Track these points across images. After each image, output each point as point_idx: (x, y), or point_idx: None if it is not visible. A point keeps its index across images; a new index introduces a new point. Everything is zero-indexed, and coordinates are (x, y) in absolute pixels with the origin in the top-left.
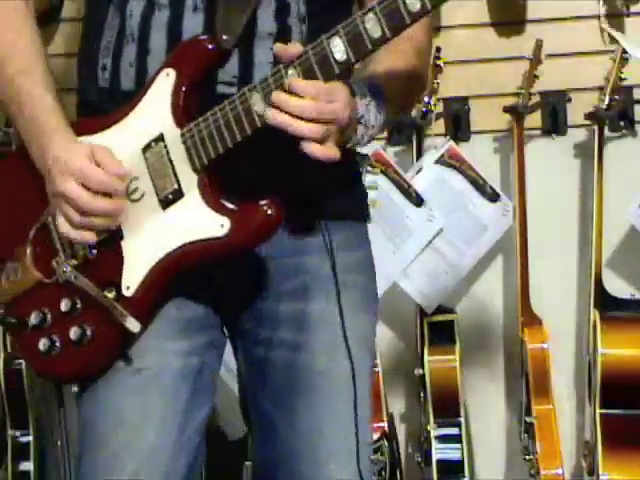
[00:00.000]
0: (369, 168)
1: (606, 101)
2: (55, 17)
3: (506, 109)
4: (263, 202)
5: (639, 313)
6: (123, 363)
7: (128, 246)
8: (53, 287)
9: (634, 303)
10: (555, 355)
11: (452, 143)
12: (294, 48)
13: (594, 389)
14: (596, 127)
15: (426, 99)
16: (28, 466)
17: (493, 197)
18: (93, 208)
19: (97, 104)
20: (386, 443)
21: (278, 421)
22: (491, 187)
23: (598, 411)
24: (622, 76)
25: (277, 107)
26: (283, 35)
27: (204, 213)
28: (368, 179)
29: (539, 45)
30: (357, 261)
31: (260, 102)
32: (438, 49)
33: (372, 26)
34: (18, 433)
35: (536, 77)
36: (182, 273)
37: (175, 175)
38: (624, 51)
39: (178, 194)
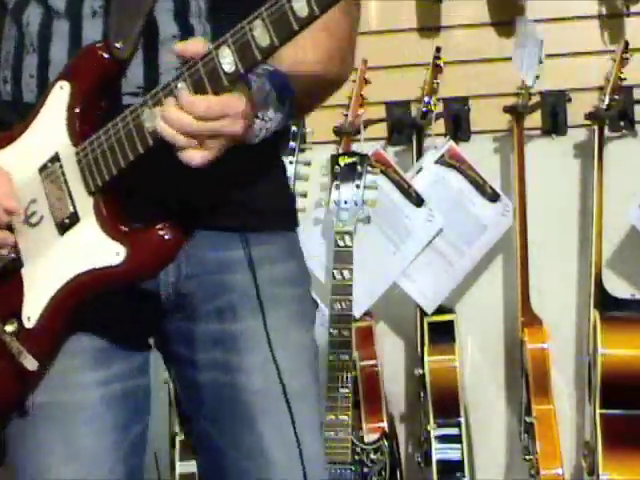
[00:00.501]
0: (369, 168)
1: (606, 101)
2: None
3: (506, 109)
4: (159, 226)
5: (639, 313)
6: (44, 399)
7: (28, 274)
8: None
9: (634, 303)
10: (555, 355)
11: (452, 143)
12: (195, 45)
13: (594, 389)
14: (596, 127)
15: (426, 99)
16: None
17: (493, 197)
18: None
19: (1, 118)
20: (386, 443)
21: (221, 443)
22: (491, 187)
23: (598, 411)
24: (622, 76)
25: (163, 119)
26: (187, 36)
27: (100, 239)
28: (368, 179)
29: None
30: (286, 273)
31: (151, 118)
32: (438, 49)
33: (260, 34)
34: None
35: (536, 77)
36: (87, 302)
37: (71, 198)
38: (624, 51)
39: (74, 218)
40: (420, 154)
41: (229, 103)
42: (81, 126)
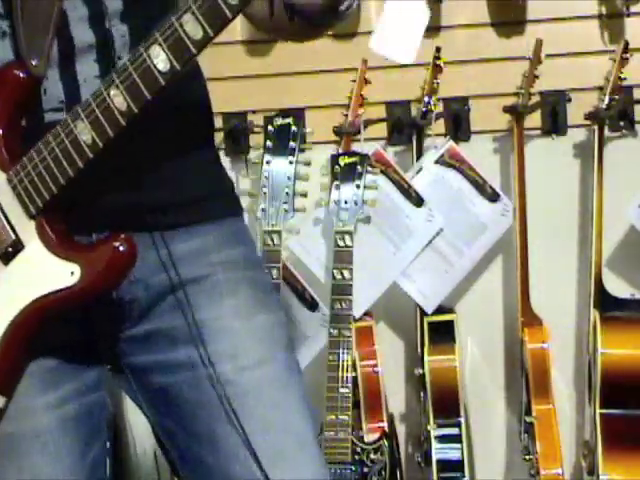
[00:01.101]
0: (369, 168)
1: (606, 101)
2: None
3: (506, 109)
4: (112, 238)
5: (639, 313)
6: (1, 430)
7: None
8: None
9: (634, 303)
10: (555, 355)
11: (452, 143)
12: None
13: (594, 389)
14: (596, 127)
15: (426, 99)
16: None
17: (493, 197)
18: None
19: None
20: (386, 443)
21: (198, 448)
22: (491, 187)
23: (598, 411)
24: (622, 76)
25: None
26: (105, 43)
27: (50, 262)
28: (368, 179)
29: (539, 45)
30: (238, 257)
31: (86, 131)
32: (438, 49)
33: (192, 28)
34: None
35: (536, 77)
36: (43, 326)
37: (10, 225)
38: (624, 51)
39: (18, 246)
40: (420, 154)
41: None
42: (7, 151)
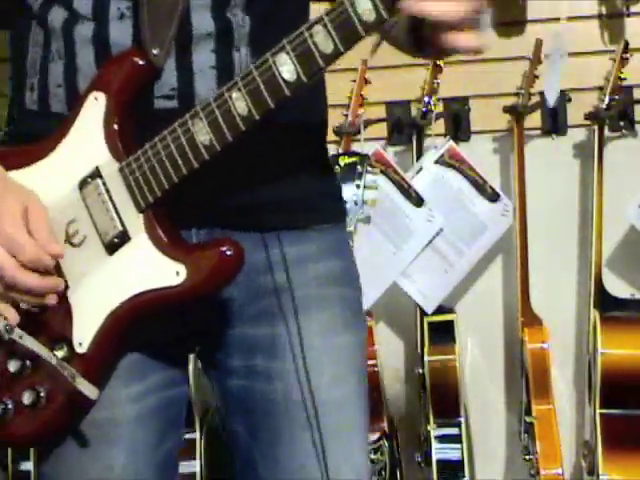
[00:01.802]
0: (369, 168)
1: (606, 101)
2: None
3: (506, 109)
4: (220, 242)
5: (639, 313)
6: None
7: (75, 297)
8: (1, 345)
9: (634, 303)
10: (555, 355)
11: (452, 143)
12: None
13: (594, 389)
14: (596, 127)
15: (426, 99)
16: (28, 466)
17: (493, 197)
18: (15, 282)
19: (27, 129)
20: (386, 443)
21: (258, 457)
22: (491, 187)
23: (598, 411)
24: (622, 76)
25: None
26: (224, 33)
27: (156, 259)
28: (368, 179)
29: (539, 45)
30: (328, 272)
31: (204, 131)
32: None
33: (322, 40)
34: None
35: (536, 77)
36: (141, 321)
37: (119, 216)
38: (624, 51)
39: (124, 237)
40: (420, 154)
41: None
42: (121, 139)
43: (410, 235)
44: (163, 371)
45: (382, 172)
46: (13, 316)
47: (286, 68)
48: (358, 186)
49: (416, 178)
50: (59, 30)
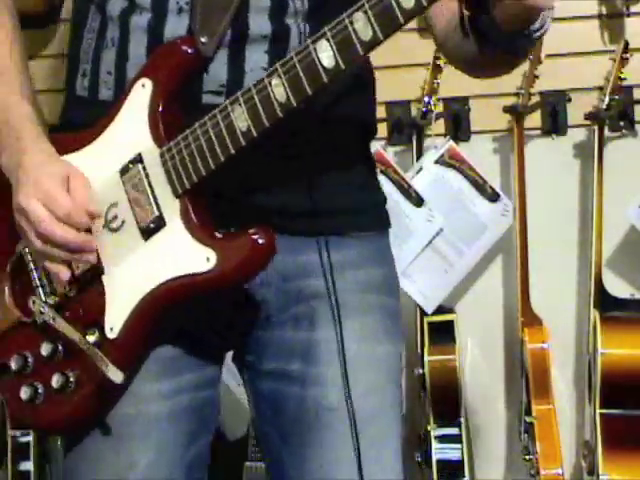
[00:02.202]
0: None
1: (606, 101)
2: (54, 18)
3: (506, 109)
4: (252, 231)
5: (639, 313)
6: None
7: (110, 281)
8: (33, 328)
9: (634, 303)
10: (555, 355)
11: (452, 143)
12: None
13: (594, 389)
14: (596, 127)
15: (426, 99)
16: (28, 466)
17: (493, 197)
18: (52, 234)
19: (76, 115)
20: None
21: (287, 459)
22: (491, 187)
23: (598, 411)
24: (622, 76)
25: None
26: (280, 37)
27: (188, 244)
28: None
29: (539, 45)
30: (370, 280)
31: (243, 117)
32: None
33: (362, 27)
34: (18, 433)
35: (536, 77)
36: (172, 310)
37: (156, 201)
38: (624, 51)
39: (160, 222)
40: (420, 154)
41: None
42: (164, 126)
43: (410, 235)
44: (199, 370)
45: (382, 172)
46: (59, 270)
47: (325, 55)
48: None
49: (416, 178)
50: (116, 18)
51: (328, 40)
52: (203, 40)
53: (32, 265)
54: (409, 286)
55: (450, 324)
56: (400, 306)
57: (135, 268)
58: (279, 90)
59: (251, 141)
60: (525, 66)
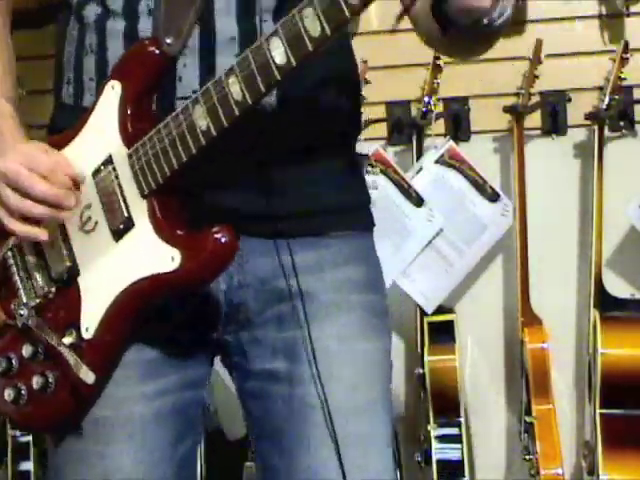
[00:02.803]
0: (369, 168)
1: (606, 101)
2: (50, 18)
3: (506, 109)
4: (215, 229)
5: (639, 313)
6: (90, 413)
7: (85, 282)
8: (17, 330)
9: (634, 303)
10: (555, 355)
11: (452, 143)
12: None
13: (594, 389)
14: (596, 127)
15: (426, 99)
16: (28, 466)
17: (493, 197)
18: (30, 187)
19: (62, 122)
20: None
21: (277, 460)
22: (491, 187)
23: (598, 411)
24: (622, 76)
25: None
26: (248, 38)
27: (155, 244)
28: (368, 179)
29: (539, 45)
30: (351, 278)
31: (203, 116)
32: None
33: (311, 23)
34: (18, 433)
35: (536, 77)
36: (145, 310)
37: (125, 202)
38: (624, 51)
39: (129, 223)
40: (420, 154)
41: None
42: (133, 127)
43: (410, 235)
44: (180, 372)
45: (382, 172)
46: (35, 231)
47: (278, 52)
48: None
49: (416, 178)
50: (93, 25)
51: (280, 37)
52: (169, 41)
53: (14, 268)
54: (409, 286)
55: (450, 324)
56: (386, 303)
57: (108, 269)
58: (235, 88)
59: (211, 140)
60: (525, 66)
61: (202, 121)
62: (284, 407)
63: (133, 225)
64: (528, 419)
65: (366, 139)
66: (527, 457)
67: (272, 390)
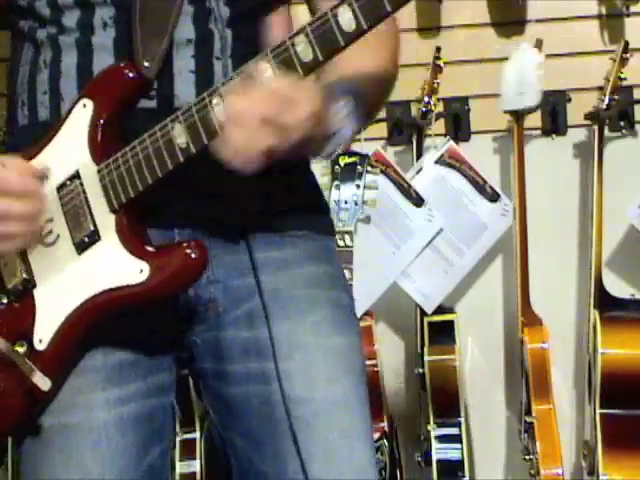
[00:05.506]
0: (369, 168)
1: (606, 101)
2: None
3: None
4: (186, 244)
5: (639, 313)
6: (51, 420)
7: (41, 295)
8: None
9: (634, 303)
10: (555, 355)
11: (452, 143)
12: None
13: (594, 389)
14: (596, 127)
15: (426, 99)
16: None
17: (493, 197)
18: (8, 210)
19: (19, 141)
20: (386, 443)
21: (258, 461)
22: (491, 187)
23: (598, 411)
24: (622, 76)
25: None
26: (204, 41)
27: (122, 258)
28: (368, 179)
29: (539, 45)
30: (323, 275)
31: (183, 134)
32: (438, 49)
33: (303, 49)
34: None
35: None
36: (102, 321)
37: (91, 216)
38: (624, 51)
39: (94, 237)
40: (420, 154)
41: (308, 93)
42: (103, 144)
43: (410, 235)
44: (145, 378)
45: (382, 172)
46: (9, 246)
47: (268, 74)
48: (358, 186)
49: (416, 178)
50: (46, 42)
51: (269, 61)
52: (146, 65)
53: None
54: (409, 286)
55: (450, 324)
56: (352, 299)
57: (67, 281)
58: (219, 109)
59: (189, 158)
60: None
61: (181, 138)
62: (263, 406)
63: (99, 238)
64: (528, 419)
65: (366, 139)
66: (527, 457)
67: (245, 390)
